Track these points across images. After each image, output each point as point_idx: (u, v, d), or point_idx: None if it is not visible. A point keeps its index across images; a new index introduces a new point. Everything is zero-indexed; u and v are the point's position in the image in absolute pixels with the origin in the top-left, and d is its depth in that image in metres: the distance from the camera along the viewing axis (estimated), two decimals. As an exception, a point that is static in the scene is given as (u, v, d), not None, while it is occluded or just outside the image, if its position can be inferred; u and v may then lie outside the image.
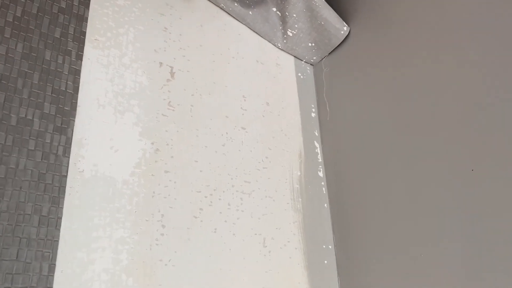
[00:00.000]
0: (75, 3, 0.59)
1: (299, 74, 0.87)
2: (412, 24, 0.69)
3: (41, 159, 0.50)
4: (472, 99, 0.58)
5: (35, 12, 0.55)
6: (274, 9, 0.80)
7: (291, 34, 0.83)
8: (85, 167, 0.54)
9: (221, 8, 0.79)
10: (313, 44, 0.85)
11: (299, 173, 0.77)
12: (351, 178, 0.75)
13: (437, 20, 0.65)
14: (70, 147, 0.52)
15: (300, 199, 0.75)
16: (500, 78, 0.55)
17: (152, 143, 0.61)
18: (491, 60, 0.56)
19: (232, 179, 0.68)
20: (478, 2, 0.59)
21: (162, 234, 0.58)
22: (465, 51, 0.60)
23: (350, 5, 0.83)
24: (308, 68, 0.90)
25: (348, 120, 0.78)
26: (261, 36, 0.84)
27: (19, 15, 0.53)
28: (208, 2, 0.78)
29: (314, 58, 0.88)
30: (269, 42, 0.85)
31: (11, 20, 0.52)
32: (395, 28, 0.72)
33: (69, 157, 0.52)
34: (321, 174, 0.80)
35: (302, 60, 0.90)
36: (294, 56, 0.89)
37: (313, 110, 0.86)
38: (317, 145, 0.83)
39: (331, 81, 0.85)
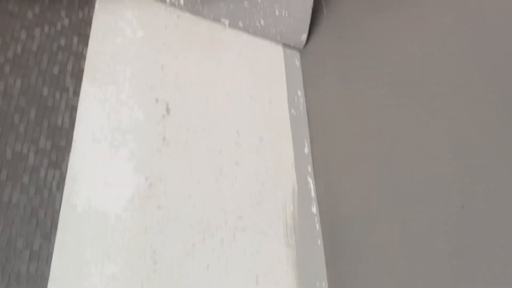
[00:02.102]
0: (75, 41, 0.61)
1: (292, 111, 0.89)
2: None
3: (35, 194, 0.50)
4: (463, 137, 0.59)
5: (35, 50, 0.56)
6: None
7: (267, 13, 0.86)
8: (78, 202, 0.54)
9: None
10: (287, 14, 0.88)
11: (292, 209, 0.77)
12: (344, 214, 0.76)
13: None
14: (64, 182, 0.52)
15: (294, 236, 0.75)
16: (490, 113, 0.56)
17: (146, 178, 0.62)
18: (482, 97, 0.58)
19: (225, 214, 0.68)
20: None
21: (154, 271, 0.57)
22: (458, 87, 0.62)
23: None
24: (301, 105, 0.91)
25: (342, 156, 0.79)
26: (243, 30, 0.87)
27: (19, 53, 0.54)
28: (205, 42, 0.80)
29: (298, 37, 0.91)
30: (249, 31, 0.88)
31: (11, 57, 0.53)
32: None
33: (62, 192, 0.52)
34: (314, 210, 0.81)
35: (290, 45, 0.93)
36: (283, 46, 0.93)
37: (306, 145, 0.87)
38: (310, 180, 0.83)
39: (323, 116, 0.87)
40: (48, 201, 0.50)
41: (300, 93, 0.93)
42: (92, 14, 0.65)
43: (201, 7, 0.79)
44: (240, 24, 0.85)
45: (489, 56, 0.58)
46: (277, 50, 0.94)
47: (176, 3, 0.77)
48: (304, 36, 0.93)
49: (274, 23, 0.87)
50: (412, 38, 0.70)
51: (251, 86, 0.84)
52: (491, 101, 0.56)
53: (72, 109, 0.57)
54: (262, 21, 0.86)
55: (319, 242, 0.78)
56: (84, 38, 0.62)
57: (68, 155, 0.54)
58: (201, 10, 0.80)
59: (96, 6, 0.67)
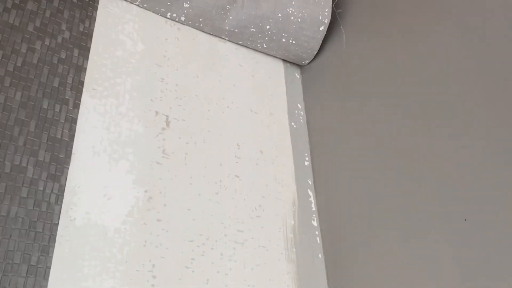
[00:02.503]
0: (75, 54, 0.61)
1: (292, 124, 0.89)
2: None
3: (33, 207, 0.49)
4: (464, 151, 0.59)
5: (35, 62, 0.56)
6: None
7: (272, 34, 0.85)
8: (77, 215, 0.53)
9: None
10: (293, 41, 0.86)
11: (292, 222, 0.77)
12: (345, 227, 0.75)
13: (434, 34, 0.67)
14: (63, 195, 0.52)
15: (294, 249, 0.74)
16: (492, 130, 0.56)
17: (146, 191, 0.61)
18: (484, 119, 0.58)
19: (225, 228, 0.67)
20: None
21: (153, 285, 0.56)
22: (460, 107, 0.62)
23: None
24: (301, 118, 0.91)
25: (342, 169, 0.79)
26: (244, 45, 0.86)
27: (20, 65, 0.54)
28: (204, 55, 0.80)
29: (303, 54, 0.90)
30: (251, 47, 0.87)
31: (11, 70, 0.53)
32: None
33: (61, 205, 0.51)
34: (315, 223, 0.80)
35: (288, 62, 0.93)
36: (283, 60, 0.92)
37: (307, 158, 0.87)
38: (310, 193, 0.83)
39: (324, 129, 0.86)
40: (46, 214, 0.50)
41: (300, 106, 0.93)
42: (93, 27, 0.65)
43: (202, 24, 0.79)
44: (240, 42, 0.86)
45: (482, 79, 0.58)
46: (278, 63, 0.94)
47: (177, 19, 0.77)
48: (306, 62, 0.94)
49: (278, 47, 0.87)
50: (410, 59, 0.71)
51: (252, 98, 0.84)
52: (489, 119, 0.56)
53: (72, 122, 0.56)
54: (265, 45, 0.86)
55: (320, 255, 0.77)
56: (85, 51, 0.62)
57: (68, 168, 0.54)
58: (202, 27, 0.80)
59: (98, 19, 0.67)
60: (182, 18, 0.77)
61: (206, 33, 0.82)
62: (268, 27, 0.82)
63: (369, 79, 0.78)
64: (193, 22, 0.78)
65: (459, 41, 0.63)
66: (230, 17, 0.78)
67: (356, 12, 0.85)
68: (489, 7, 0.60)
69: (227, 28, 0.80)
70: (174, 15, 0.76)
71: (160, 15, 0.76)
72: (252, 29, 0.82)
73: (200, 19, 0.78)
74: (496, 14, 0.59)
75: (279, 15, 0.81)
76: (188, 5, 0.74)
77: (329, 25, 0.86)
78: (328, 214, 0.79)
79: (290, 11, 0.82)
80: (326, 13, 0.85)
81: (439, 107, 0.64)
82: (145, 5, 0.74)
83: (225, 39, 0.84)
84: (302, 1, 0.83)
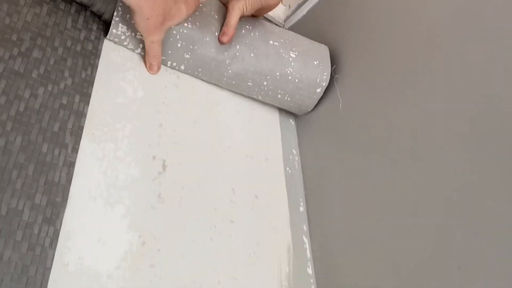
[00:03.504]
0: (76, 100, 0.62)
1: (287, 169, 0.90)
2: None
3: (27, 251, 0.49)
4: (459, 200, 0.60)
5: (37, 108, 0.58)
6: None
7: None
8: (70, 260, 0.53)
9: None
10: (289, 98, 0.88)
11: (287, 270, 0.76)
12: (341, 276, 0.74)
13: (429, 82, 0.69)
14: (57, 239, 0.52)
15: (288, 297, 0.73)
16: (482, 180, 0.57)
17: (140, 236, 0.61)
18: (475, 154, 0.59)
19: (218, 275, 0.67)
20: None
21: (144, 334, 0.55)
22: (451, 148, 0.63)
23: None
24: (296, 163, 0.92)
25: (337, 215, 0.79)
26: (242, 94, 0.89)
27: (22, 110, 0.56)
28: (202, 101, 0.82)
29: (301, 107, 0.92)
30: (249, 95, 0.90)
31: (13, 115, 0.55)
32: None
33: (55, 249, 0.51)
34: (310, 271, 0.79)
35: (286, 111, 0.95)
36: (279, 108, 0.95)
37: (301, 204, 0.87)
38: (305, 240, 0.83)
39: (318, 175, 0.87)
40: (40, 258, 0.49)
41: (295, 151, 0.94)
42: (95, 75, 0.67)
43: (201, 74, 0.82)
44: (237, 91, 0.88)
45: (479, 125, 0.60)
46: (273, 110, 0.96)
47: (177, 67, 0.80)
48: (299, 114, 0.96)
49: (272, 101, 0.90)
50: (403, 117, 0.73)
51: (247, 144, 0.86)
52: (483, 167, 0.58)
53: (70, 165, 0.57)
54: (260, 97, 0.89)
55: (315, 304, 0.76)
56: (86, 97, 0.64)
57: (63, 212, 0.54)
58: (200, 76, 0.83)
59: (99, 67, 0.69)
60: (182, 67, 0.80)
61: (204, 81, 0.85)
62: (265, 83, 0.84)
63: (364, 129, 0.80)
64: (192, 71, 0.81)
65: (446, 109, 0.66)
66: (230, 71, 0.81)
67: (353, 77, 0.87)
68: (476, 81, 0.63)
69: (224, 79, 0.83)
70: (174, 63, 0.79)
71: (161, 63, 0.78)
72: (249, 83, 0.84)
73: (200, 69, 0.80)
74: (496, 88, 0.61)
75: (277, 73, 0.84)
76: (188, 56, 0.77)
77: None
78: (324, 261, 0.79)
79: (288, 71, 0.85)
80: (324, 77, 0.87)
81: (431, 155, 0.65)
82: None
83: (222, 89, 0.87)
84: (301, 64, 0.86)
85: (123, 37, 0.72)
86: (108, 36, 0.72)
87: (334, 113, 0.88)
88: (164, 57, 0.77)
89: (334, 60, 0.90)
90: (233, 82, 0.84)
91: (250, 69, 0.82)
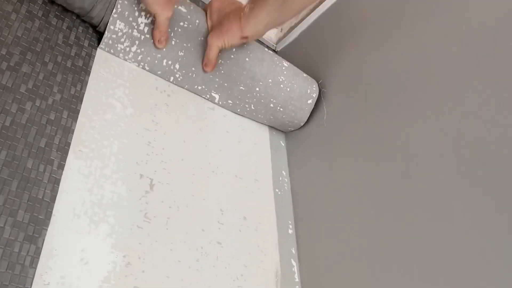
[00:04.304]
0: (64, 116, 0.62)
1: (277, 190, 0.89)
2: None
3: (6, 269, 0.47)
4: (452, 221, 0.59)
5: (24, 123, 0.57)
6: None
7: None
8: (51, 280, 0.51)
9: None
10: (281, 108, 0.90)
11: (274, 293, 0.75)
12: (328, 299, 0.73)
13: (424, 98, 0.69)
14: (38, 258, 0.50)
15: (275, 322, 0.72)
16: (479, 202, 0.57)
17: (124, 256, 0.60)
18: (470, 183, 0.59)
19: (204, 297, 0.65)
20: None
21: None
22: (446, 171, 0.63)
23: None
24: (285, 185, 0.92)
25: (326, 238, 0.79)
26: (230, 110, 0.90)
27: (8, 125, 0.55)
28: (192, 120, 0.82)
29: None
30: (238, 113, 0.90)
31: (-1, 129, 0.54)
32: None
33: (35, 268, 0.50)
34: (297, 294, 0.78)
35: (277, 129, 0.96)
36: (269, 126, 0.96)
37: (290, 226, 0.86)
38: (294, 263, 0.81)
39: (308, 196, 0.87)
40: (19, 278, 0.48)
41: (285, 173, 0.94)
42: (85, 91, 0.67)
43: (195, 74, 0.82)
44: (230, 102, 0.88)
45: (469, 138, 0.60)
46: (263, 130, 0.96)
47: (172, 66, 0.79)
48: (290, 129, 0.97)
49: (265, 111, 0.90)
50: (393, 136, 0.73)
51: (237, 164, 0.85)
52: (479, 184, 0.58)
53: (55, 182, 0.56)
54: (253, 106, 0.89)
55: (302, 329, 0.74)
56: (74, 113, 0.63)
57: (46, 229, 0.53)
58: (194, 77, 0.82)
59: (89, 83, 0.69)
60: (177, 66, 0.79)
61: (195, 94, 0.85)
62: (257, 89, 0.86)
63: (353, 149, 0.80)
64: (186, 71, 0.81)
65: (435, 125, 0.66)
66: (222, 71, 0.82)
67: (340, 91, 0.89)
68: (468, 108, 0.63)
69: (217, 80, 0.83)
70: (170, 62, 0.78)
71: (152, 72, 0.79)
72: (241, 87, 0.85)
73: (193, 68, 0.81)
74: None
75: (270, 80, 0.85)
76: (182, 54, 0.79)
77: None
78: (312, 285, 0.77)
79: (280, 79, 0.86)
80: (314, 88, 0.90)
81: (421, 175, 0.65)
82: (137, 59, 0.77)
83: (215, 97, 0.86)
84: (292, 73, 0.88)
85: (120, 33, 0.73)
86: (105, 35, 0.72)
87: (323, 132, 0.89)
88: (156, 61, 0.78)
89: (324, 86, 0.93)
90: (225, 84, 0.84)
91: (243, 72, 0.83)
